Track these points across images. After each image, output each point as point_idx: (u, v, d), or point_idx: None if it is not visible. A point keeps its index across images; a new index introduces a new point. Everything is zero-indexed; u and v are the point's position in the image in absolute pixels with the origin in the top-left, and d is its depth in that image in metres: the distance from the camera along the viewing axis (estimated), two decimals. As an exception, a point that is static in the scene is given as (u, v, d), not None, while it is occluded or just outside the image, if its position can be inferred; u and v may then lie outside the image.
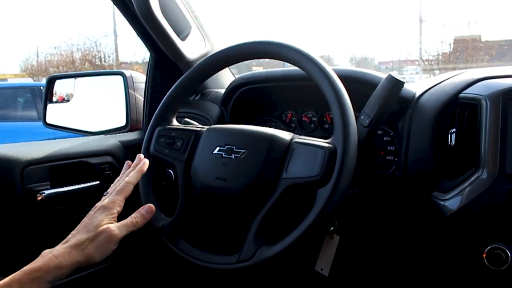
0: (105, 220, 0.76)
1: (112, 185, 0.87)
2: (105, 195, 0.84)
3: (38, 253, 0.73)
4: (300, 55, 0.86)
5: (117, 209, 0.79)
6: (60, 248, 0.73)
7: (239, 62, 0.96)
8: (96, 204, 0.81)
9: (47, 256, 0.71)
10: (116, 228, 0.76)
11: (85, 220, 0.78)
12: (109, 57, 19.37)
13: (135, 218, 0.80)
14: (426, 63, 15.65)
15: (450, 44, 15.16)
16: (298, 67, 0.87)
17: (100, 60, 19.23)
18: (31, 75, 19.58)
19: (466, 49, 14.56)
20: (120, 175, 0.89)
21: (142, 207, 0.82)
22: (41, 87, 6.47)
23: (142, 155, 0.91)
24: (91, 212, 0.79)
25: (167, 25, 1.17)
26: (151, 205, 0.83)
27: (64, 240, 0.76)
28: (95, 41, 21.45)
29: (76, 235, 0.75)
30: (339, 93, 0.80)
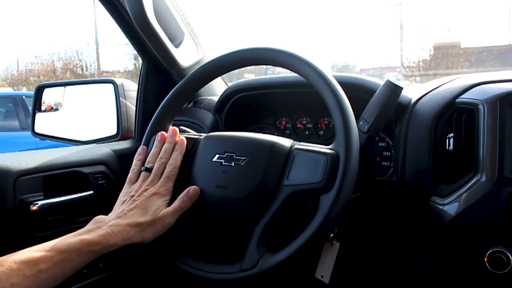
0: (162, 207, 0.82)
1: (149, 160, 0.91)
2: (143, 171, 0.89)
3: None
4: (298, 60, 0.85)
5: (170, 195, 0.85)
6: (117, 223, 0.76)
7: (235, 69, 0.95)
8: (146, 186, 0.85)
9: (105, 230, 0.74)
10: (170, 216, 0.81)
11: (141, 200, 0.81)
12: (90, 66, 19.23)
13: (183, 202, 0.83)
14: (407, 69, 15.85)
15: (430, 51, 15.41)
16: (297, 73, 0.86)
17: (82, 69, 19.08)
18: (11, 84, 19.32)
19: (446, 56, 14.81)
20: (154, 145, 0.92)
21: (188, 189, 0.85)
22: (23, 97, 6.38)
23: (176, 129, 0.94)
24: (145, 194, 0.83)
25: (162, 32, 1.15)
26: (196, 187, 0.85)
27: (118, 214, 0.79)
28: (77, 50, 21.42)
29: (134, 215, 0.79)
30: (340, 99, 0.80)
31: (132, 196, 0.84)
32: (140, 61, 1.38)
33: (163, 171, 0.88)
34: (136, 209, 0.80)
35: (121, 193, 0.88)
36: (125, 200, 0.83)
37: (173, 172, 0.87)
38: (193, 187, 0.85)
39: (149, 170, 0.89)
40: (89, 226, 0.76)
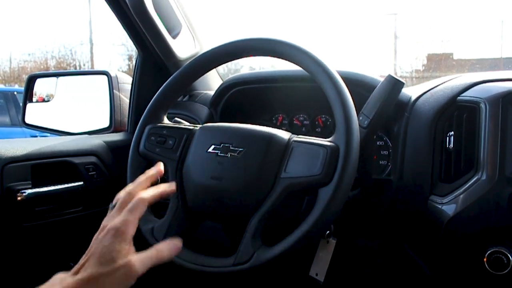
0: (123, 249, 0.61)
1: (120, 194, 0.69)
2: (111, 208, 0.68)
3: (18, 256, 0.66)
4: (298, 51, 0.83)
5: (131, 232, 0.63)
6: (72, 281, 0.59)
7: (233, 59, 0.93)
8: (104, 223, 0.65)
9: None
10: (138, 262, 0.61)
11: (96, 245, 0.62)
12: (84, 65, 19.10)
13: (160, 251, 0.65)
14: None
15: (423, 61, 15.52)
16: (296, 64, 0.84)
17: (75, 68, 18.97)
18: (3, 82, 19.16)
19: (439, 66, 14.92)
20: (134, 183, 0.71)
21: (169, 240, 0.66)
22: (15, 93, 6.33)
23: (162, 164, 0.73)
24: (98, 236, 0.63)
25: (159, 21, 1.13)
26: (178, 241, 0.66)
27: (75, 269, 0.62)
28: (71, 49, 21.29)
29: (88, 268, 0.60)
30: (341, 91, 0.78)
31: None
32: (134, 62, 1.36)
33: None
34: (91, 258, 0.61)
35: None
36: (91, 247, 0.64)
37: (139, 205, 0.64)
38: (175, 240, 0.66)
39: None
40: (44, 285, 0.60)
